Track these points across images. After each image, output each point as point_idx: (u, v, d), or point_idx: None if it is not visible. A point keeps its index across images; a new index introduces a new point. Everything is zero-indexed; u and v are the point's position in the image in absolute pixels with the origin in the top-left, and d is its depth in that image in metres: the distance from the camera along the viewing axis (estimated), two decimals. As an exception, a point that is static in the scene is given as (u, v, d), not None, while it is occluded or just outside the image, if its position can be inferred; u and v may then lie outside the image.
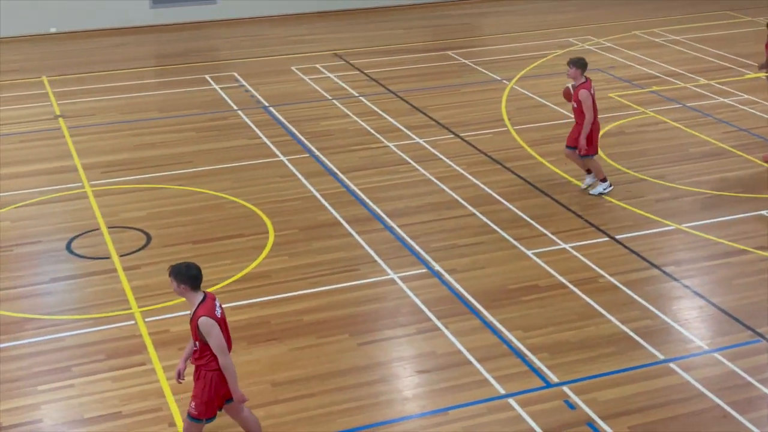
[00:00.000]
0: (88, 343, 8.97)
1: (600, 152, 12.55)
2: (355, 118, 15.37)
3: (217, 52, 20.50)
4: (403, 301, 9.74)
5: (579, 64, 11.66)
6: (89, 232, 11.31)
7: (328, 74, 17.90)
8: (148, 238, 11.15)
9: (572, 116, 12.18)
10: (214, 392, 6.85)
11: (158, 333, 9.10)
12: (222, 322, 6.80)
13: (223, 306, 7.16)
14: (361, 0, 23.65)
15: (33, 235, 11.23)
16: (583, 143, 11.74)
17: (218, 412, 7.04)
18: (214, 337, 6.67)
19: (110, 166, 13.37)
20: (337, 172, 13.08)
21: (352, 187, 12.56)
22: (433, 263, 10.47)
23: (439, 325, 9.24)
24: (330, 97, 16.48)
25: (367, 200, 12.14)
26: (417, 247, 10.84)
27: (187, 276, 6.72)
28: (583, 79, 11.72)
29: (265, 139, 14.36)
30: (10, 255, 10.75)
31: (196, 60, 19.31)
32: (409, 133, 14.49)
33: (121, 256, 10.69)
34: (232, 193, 12.38)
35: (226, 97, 16.56)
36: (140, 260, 10.61)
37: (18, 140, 14.46)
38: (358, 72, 18.07)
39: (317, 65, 18.50)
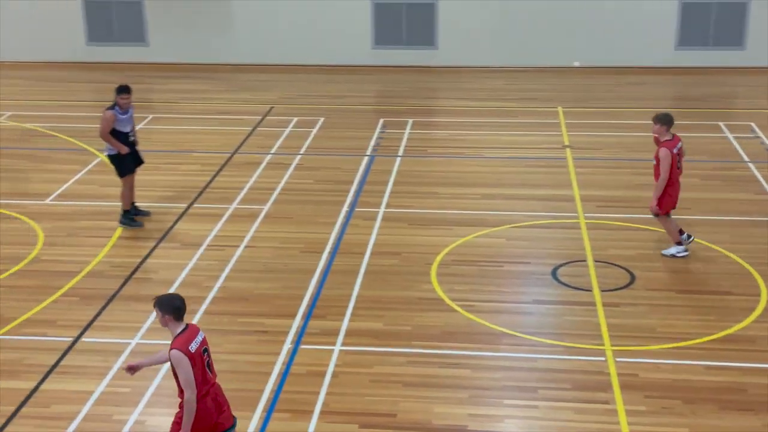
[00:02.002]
0: (557, 370, 9.15)
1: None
2: None
3: (736, 99, 19.63)
4: None
5: (664, 120, 11.10)
6: (576, 262, 11.53)
7: None
8: (632, 277, 11.04)
9: None
10: (201, 425, 6.84)
11: (627, 375, 8.96)
12: (197, 357, 6.77)
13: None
14: None
15: (523, 256, 11.77)
16: (654, 203, 11.23)
17: None
18: (183, 371, 6.69)
19: (606, 201, 13.50)
20: None
21: None
22: None
23: None
24: None
25: None
26: None
27: (171, 307, 6.81)
28: (669, 137, 11.14)
29: (774, 196, 13.42)
30: (500, 271, 11.38)
31: (713, 106, 18.71)
32: None
33: (603, 291, 10.73)
34: (727, 248, 11.75)
35: (738, 148, 15.78)
36: (621, 298, 10.55)
37: (524, 164, 15.28)
38: None
39: None
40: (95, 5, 22.19)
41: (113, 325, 10.10)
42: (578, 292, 10.74)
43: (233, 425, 7.14)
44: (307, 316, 10.27)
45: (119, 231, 12.55)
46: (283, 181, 14.48)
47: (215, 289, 10.93)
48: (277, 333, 9.90)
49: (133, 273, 11.35)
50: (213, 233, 12.52)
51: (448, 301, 10.56)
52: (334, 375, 9.09)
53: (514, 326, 9.99)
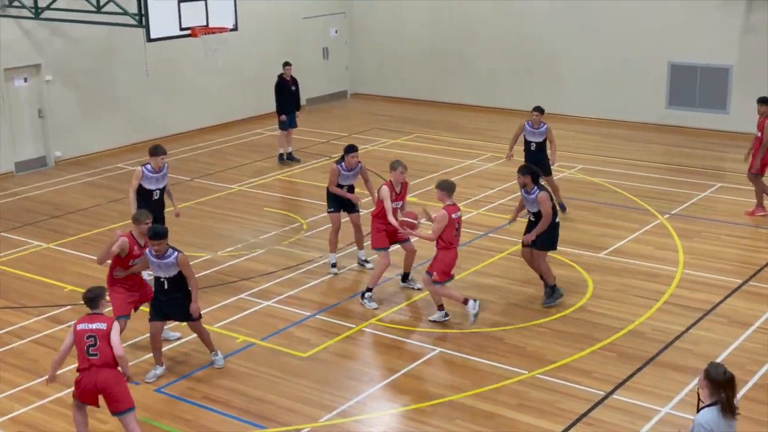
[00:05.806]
0: None
1: None
2: None
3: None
4: None
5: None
6: None
7: None
8: None
9: None
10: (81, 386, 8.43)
11: None
12: (80, 336, 8.24)
13: None
14: None
15: None
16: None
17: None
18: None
19: None
20: None
21: None
22: None
23: None
24: None
25: None
26: None
27: (84, 297, 8.50)
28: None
29: None
30: None
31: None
32: None
33: None
34: None
35: None
36: None
37: None
38: None
39: None
40: (681, 69, 22.29)
41: (646, 388, 9.98)
42: None
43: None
44: None
45: (666, 296, 12.39)
46: None
47: (759, 374, 10.20)
48: (822, 439, 8.90)
49: (674, 340, 11.11)
50: (766, 315, 11.71)
51: None
52: None
53: None
